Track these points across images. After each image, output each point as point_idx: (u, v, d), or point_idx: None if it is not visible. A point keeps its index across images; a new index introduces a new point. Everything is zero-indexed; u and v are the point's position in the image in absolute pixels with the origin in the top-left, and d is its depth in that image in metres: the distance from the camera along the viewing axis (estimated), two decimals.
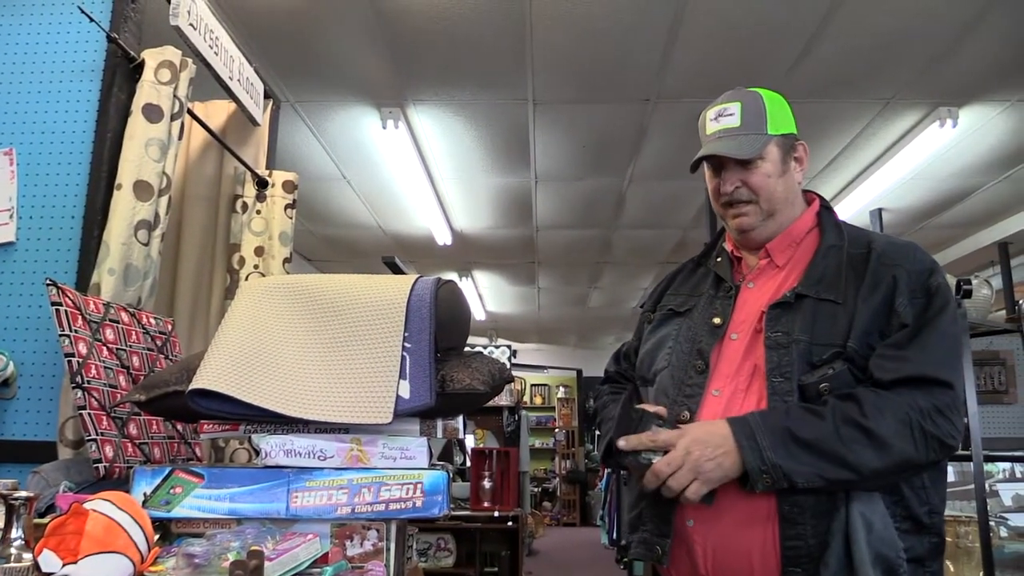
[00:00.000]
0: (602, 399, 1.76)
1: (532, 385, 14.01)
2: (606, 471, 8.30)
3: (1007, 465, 3.74)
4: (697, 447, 1.32)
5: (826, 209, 1.61)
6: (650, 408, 1.47)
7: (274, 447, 1.37)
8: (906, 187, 5.93)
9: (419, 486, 1.35)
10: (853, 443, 1.29)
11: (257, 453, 1.38)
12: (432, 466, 1.39)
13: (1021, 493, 3.75)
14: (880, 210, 6.33)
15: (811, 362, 1.38)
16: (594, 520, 11.71)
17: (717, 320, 1.53)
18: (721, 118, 1.56)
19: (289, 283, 1.52)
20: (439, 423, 1.42)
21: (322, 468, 1.36)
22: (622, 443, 1.37)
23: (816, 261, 1.49)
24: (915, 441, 1.29)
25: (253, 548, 1.11)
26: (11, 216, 1.94)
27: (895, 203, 6.28)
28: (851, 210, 6.17)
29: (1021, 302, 5.09)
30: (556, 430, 13.68)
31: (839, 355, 1.37)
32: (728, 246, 1.65)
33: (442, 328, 1.44)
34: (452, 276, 8.94)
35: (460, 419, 1.45)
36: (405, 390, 1.35)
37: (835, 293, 1.43)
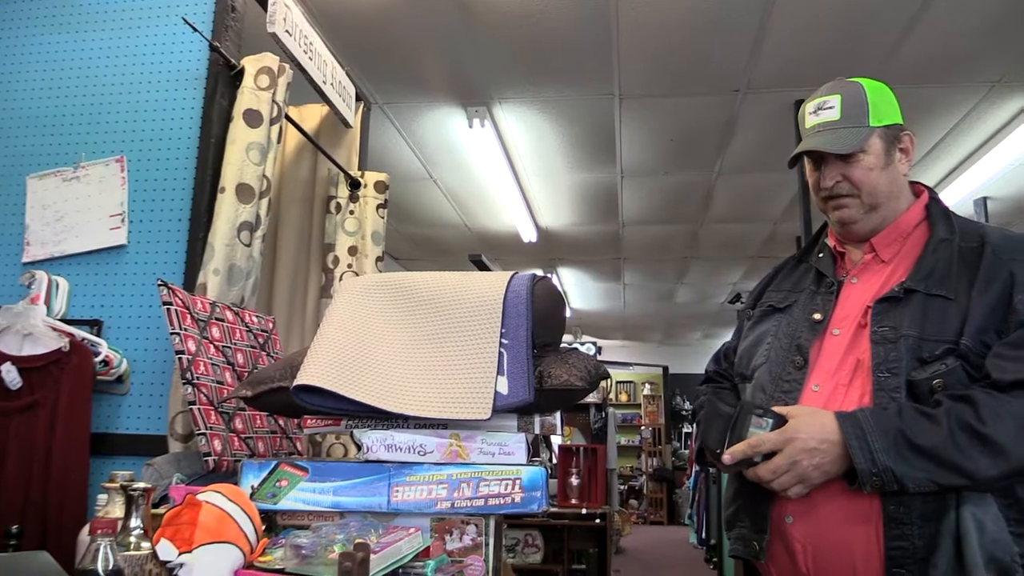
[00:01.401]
0: (700, 399, 1.74)
1: (618, 382, 13.91)
2: (695, 469, 8.19)
3: None
4: (805, 456, 1.29)
5: (935, 201, 1.55)
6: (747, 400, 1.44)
7: (375, 442, 1.40)
8: (1013, 174, 5.64)
9: (518, 482, 1.36)
10: (970, 449, 1.23)
11: (358, 448, 1.41)
12: (531, 462, 1.39)
13: None
14: (985, 199, 6.07)
15: (921, 358, 1.33)
16: (682, 519, 11.57)
17: (818, 316, 1.50)
18: (820, 111, 1.53)
19: (387, 281, 1.55)
20: (536, 419, 1.43)
21: (422, 463, 1.38)
22: (727, 458, 1.34)
23: (926, 255, 1.44)
24: None
25: (359, 541, 1.13)
26: (123, 220, 2.04)
27: (1001, 191, 5.99)
28: (954, 199, 5.92)
29: None
30: (642, 427, 13.56)
31: (951, 352, 1.31)
32: (830, 241, 1.61)
33: (539, 324, 1.44)
34: (538, 273, 8.98)
35: (558, 415, 1.44)
36: (503, 386, 1.36)
37: (947, 288, 1.37)
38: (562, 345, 1.58)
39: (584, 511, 5.49)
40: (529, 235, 7.25)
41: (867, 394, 1.35)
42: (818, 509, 1.35)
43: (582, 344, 7.34)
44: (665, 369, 13.35)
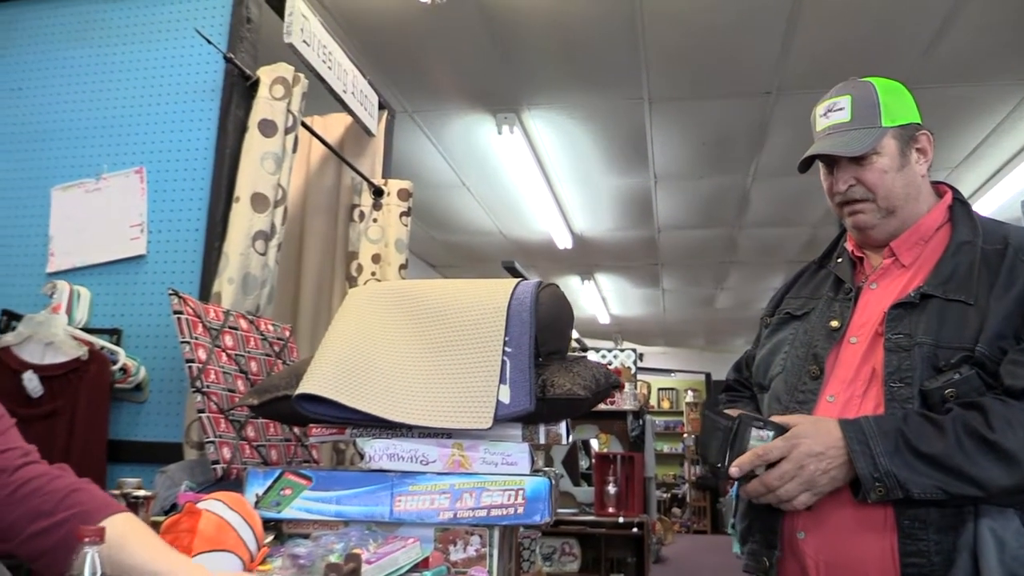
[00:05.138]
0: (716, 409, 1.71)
1: (659, 389, 13.78)
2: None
3: None
4: (812, 461, 1.25)
5: (960, 203, 1.49)
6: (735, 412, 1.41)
7: (378, 451, 1.39)
8: None
9: (521, 492, 1.34)
10: (978, 457, 1.18)
11: (361, 457, 1.40)
12: (535, 472, 1.37)
13: None
14: None
15: (936, 366, 1.28)
16: (725, 528, 11.40)
17: (835, 323, 1.45)
18: (831, 113, 1.49)
19: (392, 289, 1.54)
20: (541, 429, 1.40)
21: (424, 472, 1.37)
22: (735, 471, 1.30)
23: (945, 258, 1.38)
24: None
25: (352, 552, 1.12)
26: (142, 230, 2.06)
27: None
28: (997, 203, 5.75)
29: None
30: (685, 435, 13.40)
31: (967, 359, 1.26)
32: (849, 246, 1.56)
33: (543, 332, 1.42)
34: (574, 279, 8.95)
35: (563, 425, 1.42)
36: (505, 395, 1.34)
37: (966, 293, 1.32)
38: (582, 353, 1.56)
39: (621, 519, 5.43)
40: (564, 241, 7.22)
41: (881, 405, 1.30)
42: (831, 524, 1.30)
43: (622, 350, 7.26)
44: (708, 376, 13.19)
